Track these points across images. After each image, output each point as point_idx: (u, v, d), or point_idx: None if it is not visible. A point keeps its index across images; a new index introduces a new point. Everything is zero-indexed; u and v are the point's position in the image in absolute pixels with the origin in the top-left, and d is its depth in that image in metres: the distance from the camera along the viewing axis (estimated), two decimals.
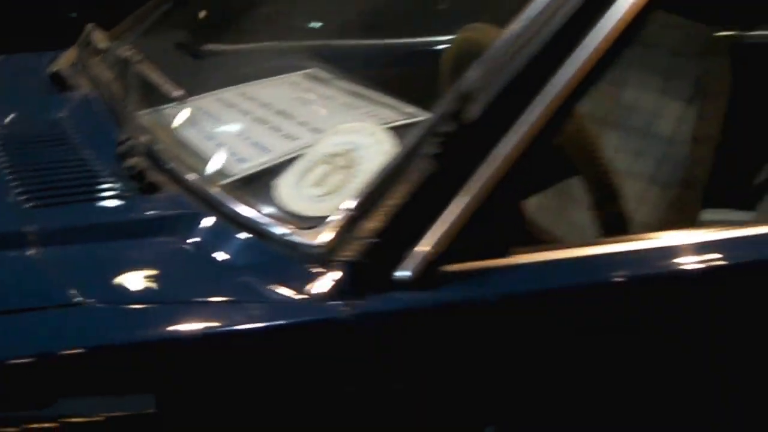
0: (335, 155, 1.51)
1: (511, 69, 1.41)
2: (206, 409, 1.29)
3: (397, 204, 1.36)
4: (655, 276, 1.50)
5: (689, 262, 1.52)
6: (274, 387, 1.32)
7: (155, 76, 1.90)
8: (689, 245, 1.53)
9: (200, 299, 1.36)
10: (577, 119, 1.80)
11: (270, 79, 1.92)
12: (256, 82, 1.92)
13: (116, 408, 1.26)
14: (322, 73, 1.91)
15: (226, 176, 1.57)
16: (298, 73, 1.92)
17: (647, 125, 2.48)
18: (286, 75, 1.93)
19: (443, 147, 1.37)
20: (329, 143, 1.54)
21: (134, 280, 1.41)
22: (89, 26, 2.36)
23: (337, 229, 1.36)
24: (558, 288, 1.44)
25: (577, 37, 1.43)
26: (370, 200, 1.37)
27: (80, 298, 1.33)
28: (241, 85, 1.89)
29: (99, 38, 2.25)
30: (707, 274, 1.51)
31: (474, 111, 1.38)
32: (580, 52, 1.43)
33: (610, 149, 2.43)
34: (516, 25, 1.43)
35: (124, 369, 1.27)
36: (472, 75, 1.39)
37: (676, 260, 1.53)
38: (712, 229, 1.61)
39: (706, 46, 2.51)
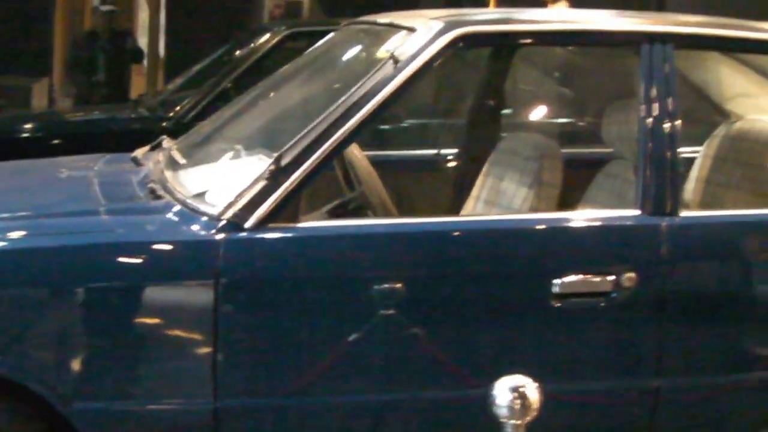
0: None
1: (301, 144, 3.14)
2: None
3: (252, 195, 3.10)
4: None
5: None
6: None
7: (175, 156, 3.72)
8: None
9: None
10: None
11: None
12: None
13: None
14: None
15: (186, 191, 3.32)
16: None
17: (509, 204, 3.89)
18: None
19: (270, 172, 3.10)
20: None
21: (139, 224, 3.18)
22: (162, 137, 4.18)
23: (224, 205, 3.11)
24: (312, 236, 3.12)
25: (329, 134, 3.13)
26: (240, 194, 3.11)
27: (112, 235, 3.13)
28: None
29: (164, 142, 4.06)
30: None
31: (283, 160, 3.12)
32: (331, 141, 3.12)
33: None
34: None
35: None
36: (285, 145, 3.15)
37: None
38: None
39: (544, 151, 3.90)
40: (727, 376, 3.45)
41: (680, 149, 4.08)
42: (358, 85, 3.22)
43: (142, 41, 11.13)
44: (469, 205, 4.21)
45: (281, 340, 3.09)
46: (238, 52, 7.06)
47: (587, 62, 5.41)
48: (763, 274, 3.45)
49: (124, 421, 3.05)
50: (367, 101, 3.18)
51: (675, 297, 3.31)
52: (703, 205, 4.00)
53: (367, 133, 3.27)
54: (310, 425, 3.17)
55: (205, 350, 3.04)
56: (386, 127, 6.01)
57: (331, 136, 3.13)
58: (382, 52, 3.35)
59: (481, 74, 4.71)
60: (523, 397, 2.54)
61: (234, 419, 3.10)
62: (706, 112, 4.60)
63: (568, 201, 3.87)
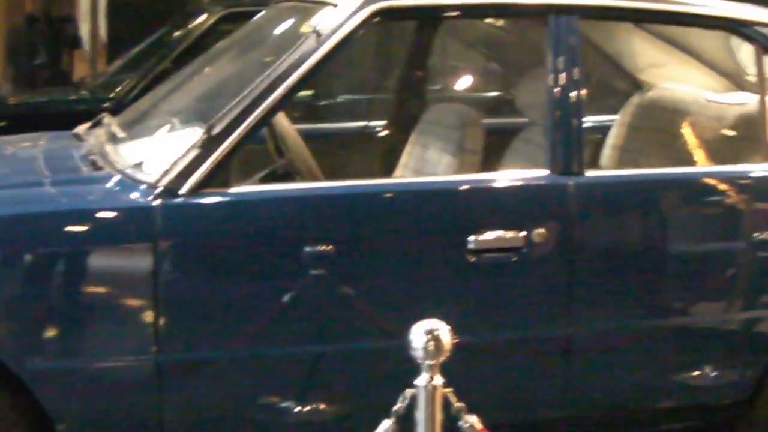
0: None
1: (231, 114, 3.35)
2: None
3: (186, 163, 3.33)
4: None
5: None
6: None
7: (115, 130, 3.93)
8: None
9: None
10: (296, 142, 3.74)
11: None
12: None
13: None
14: None
15: (125, 162, 3.55)
16: None
17: (433, 170, 4.12)
18: None
19: (202, 142, 3.33)
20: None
21: (82, 193, 3.39)
22: (103, 114, 4.38)
23: (160, 173, 3.34)
24: (243, 200, 3.34)
25: (256, 104, 3.34)
26: (175, 162, 3.34)
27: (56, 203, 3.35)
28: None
29: (105, 119, 4.27)
30: None
31: (213, 130, 3.35)
32: (258, 111, 3.33)
33: None
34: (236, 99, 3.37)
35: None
36: (216, 116, 3.37)
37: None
38: None
39: (466, 120, 4.18)
40: (634, 324, 3.71)
41: (598, 117, 4.43)
42: (283, 58, 3.43)
43: (84, 26, 11.26)
44: (398, 173, 4.45)
45: (217, 298, 3.31)
46: (175, 34, 7.24)
47: (508, 35, 5.66)
48: (664, 228, 3.71)
49: (73, 378, 3.25)
50: (291, 73, 3.39)
51: (583, 250, 3.56)
52: (618, 169, 4.26)
53: (294, 102, 3.48)
54: (247, 376, 3.40)
55: (146, 309, 3.26)
56: (320, 102, 6.23)
57: (259, 106, 3.35)
58: (306, 27, 3.57)
59: (406, 48, 4.94)
60: (436, 339, 2.78)
61: (175, 373, 3.32)
62: (621, 82, 4.85)
63: (488, 166, 4.10)
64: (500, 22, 5.45)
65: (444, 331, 2.78)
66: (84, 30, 11.09)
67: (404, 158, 4.46)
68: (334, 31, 3.46)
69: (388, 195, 3.51)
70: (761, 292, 3.79)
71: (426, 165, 4.24)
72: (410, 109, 4.79)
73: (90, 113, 5.58)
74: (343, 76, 6.00)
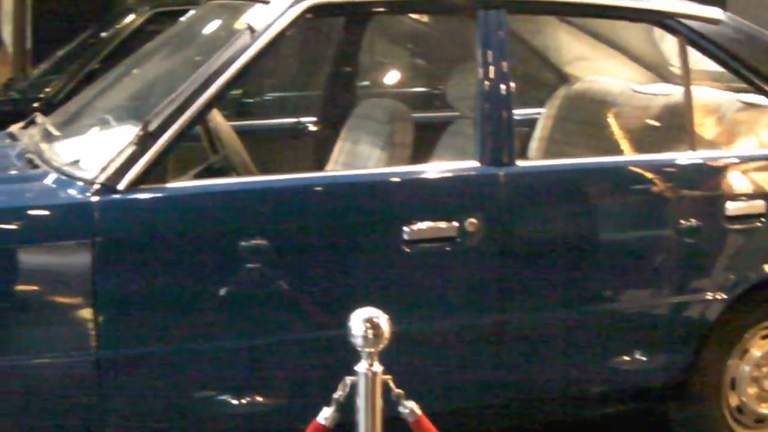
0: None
1: (167, 110, 3.38)
2: None
3: (123, 160, 3.35)
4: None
5: None
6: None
7: (50, 129, 3.93)
8: None
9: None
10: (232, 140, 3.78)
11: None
12: None
13: None
14: None
15: (62, 159, 3.56)
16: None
17: (364, 165, 4.15)
18: None
19: (138, 138, 3.34)
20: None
21: (19, 191, 3.41)
22: (35, 113, 4.38)
23: (98, 170, 3.35)
24: (180, 195, 3.36)
25: (192, 101, 3.37)
26: (112, 159, 3.36)
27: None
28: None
29: (38, 118, 4.27)
30: None
31: (150, 126, 3.37)
32: (194, 107, 3.36)
33: None
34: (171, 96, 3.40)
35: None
36: (152, 113, 3.40)
37: None
38: None
39: (396, 115, 4.23)
40: (565, 310, 3.79)
41: (526, 110, 4.50)
42: (217, 55, 3.47)
43: (6, 28, 11.11)
44: (329, 167, 4.50)
45: (155, 293, 3.34)
46: (103, 34, 7.22)
47: (437, 30, 5.72)
48: (594, 216, 3.81)
49: (11, 376, 3.26)
50: (226, 69, 3.43)
51: (514, 238, 3.64)
52: (546, 159, 4.34)
53: (227, 99, 3.52)
54: (187, 370, 3.42)
55: (85, 305, 3.28)
56: (251, 99, 6.26)
57: (194, 102, 3.38)
58: (239, 24, 3.60)
59: (335, 44, 4.99)
60: (375, 327, 2.83)
61: (115, 368, 3.34)
62: (548, 75, 4.94)
63: (419, 160, 4.15)
64: (430, 18, 5.51)
65: (383, 319, 2.83)
66: (6, 32, 10.95)
67: (335, 153, 4.50)
68: (267, 28, 3.50)
69: (322, 188, 3.55)
70: (688, 278, 3.89)
71: (357, 159, 4.29)
72: (341, 105, 4.83)
73: (19, 114, 5.59)
74: (276, 72, 6.02)
